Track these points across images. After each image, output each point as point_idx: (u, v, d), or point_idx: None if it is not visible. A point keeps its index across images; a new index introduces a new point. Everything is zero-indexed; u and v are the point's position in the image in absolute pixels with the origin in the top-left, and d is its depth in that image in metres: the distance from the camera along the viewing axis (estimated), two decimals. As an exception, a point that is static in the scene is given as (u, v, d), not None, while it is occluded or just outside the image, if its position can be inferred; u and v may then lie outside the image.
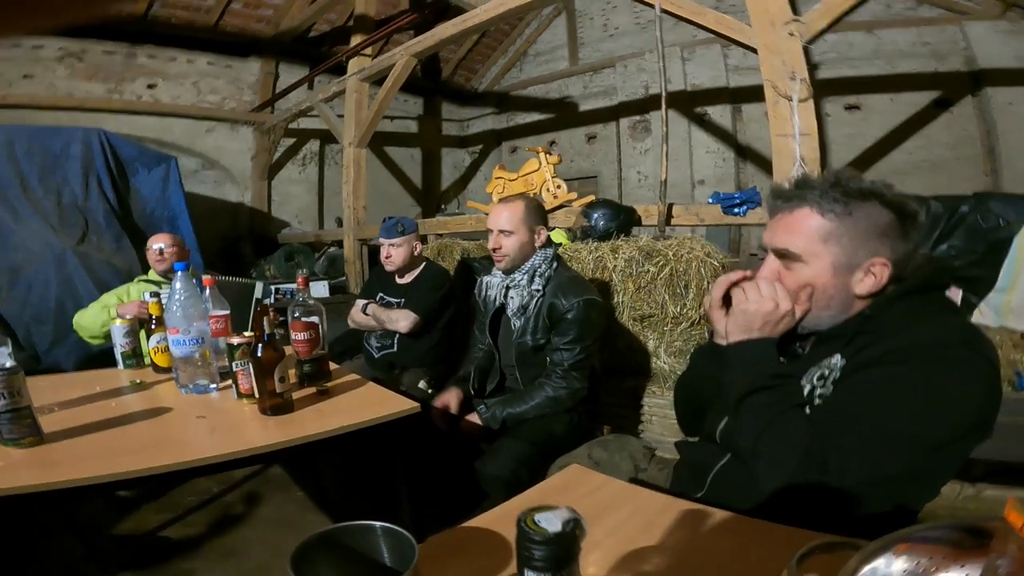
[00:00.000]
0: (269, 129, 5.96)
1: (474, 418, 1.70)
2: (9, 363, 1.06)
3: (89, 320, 2.29)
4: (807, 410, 0.86)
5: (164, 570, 1.77)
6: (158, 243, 2.39)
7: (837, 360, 0.87)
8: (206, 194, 5.76)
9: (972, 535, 0.47)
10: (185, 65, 5.65)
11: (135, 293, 2.36)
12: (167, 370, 1.55)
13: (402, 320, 2.16)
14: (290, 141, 6.35)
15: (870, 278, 0.85)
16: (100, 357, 2.40)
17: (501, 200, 1.83)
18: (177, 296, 1.30)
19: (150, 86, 5.49)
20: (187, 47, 5.56)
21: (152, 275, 2.46)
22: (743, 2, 2.56)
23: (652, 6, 2.67)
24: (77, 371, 2.56)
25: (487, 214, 3.38)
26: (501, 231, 1.71)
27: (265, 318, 1.13)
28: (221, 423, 1.17)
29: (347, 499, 2.25)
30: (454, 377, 1.94)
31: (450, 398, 1.79)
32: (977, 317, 2.32)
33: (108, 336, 2.20)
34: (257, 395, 1.17)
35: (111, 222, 3.60)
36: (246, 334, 1.24)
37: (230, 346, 1.23)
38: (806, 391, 0.88)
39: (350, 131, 4.59)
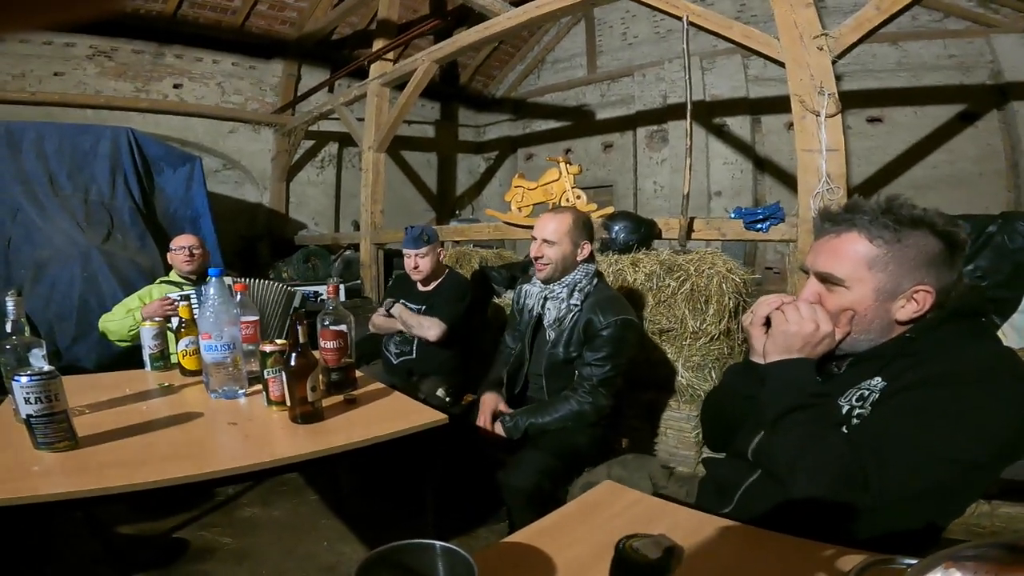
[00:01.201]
0: (290, 131, 6.03)
1: (498, 429, 1.70)
2: (46, 367, 1.07)
3: (116, 325, 2.32)
4: (845, 429, 0.86)
5: (179, 572, 1.79)
6: (186, 243, 2.42)
7: (878, 382, 0.87)
8: (226, 194, 5.84)
9: (1012, 552, 0.49)
10: (211, 65, 5.75)
11: (157, 294, 2.38)
12: (195, 373, 1.57)
13: (433, 328, 2.16)
14: (309, 143, 6.43)
15: (912, 304, 0.85)
16: (122, 355, 2.44)
17: (551, 210, 1.84)
18: (211, 301, 1.31)
19: (176, 86, 5.59)
20: (213, 47, 5.66)
21: (174, 276, 2.48)
22: (765, 12, 2.54)
23: (679, 18, 2.67)
24: (99, 369, 2.60)
25: (505, 223, 3.43)
26: (545, 240, 1.71)
27: (299, 326, 1.14)
28: (253, 431, 1.18)
29: (361, 504, 2.26)
30: (487, 381, 1.93)
31: (491, 400, 1.80)
32: (1000, 338, 2.29)
33: (135, 339, 2.24)
34: (288, 403, 1.18)
35: (136, 221, 3.63)
36: (279, 341, 1.25)
37: (263, 353, 1.25)
38: (844, 411, 0.88)
39: (370, 135, 4.63)
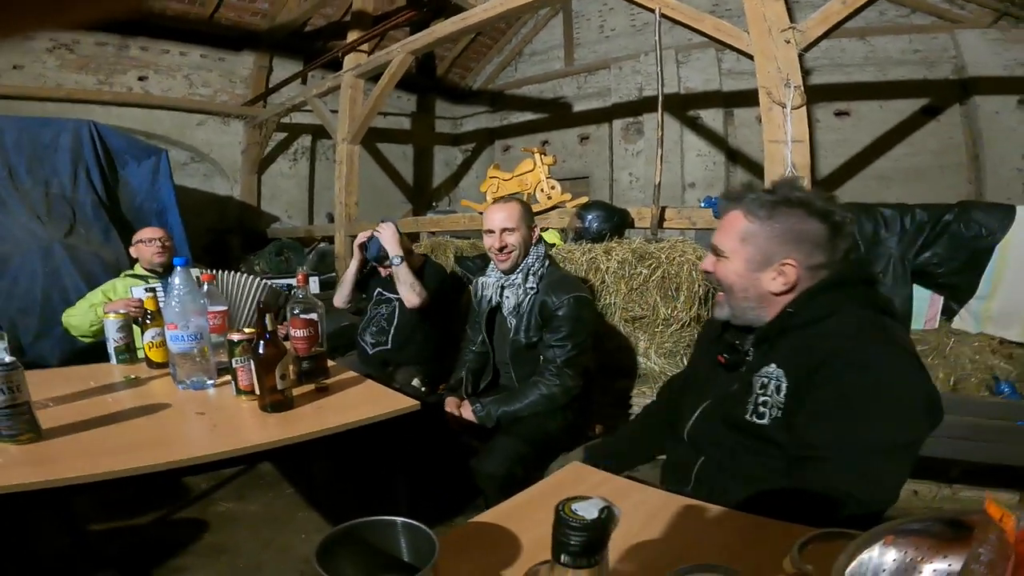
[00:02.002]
0: (261, 123, 5.91)
1: (467, 413, 1.72)
2: (8, 358, 1.05)
3: (78, 320, 2.25)
4: (753, 418, 0.93)
5: (155, 568, 1.76)
6: (156, 235, 2.36)
7: (773, 370, 0.93)
8: (195, 187, 5.70)
9: (954, 528, 0.51)
10: (178, 58, 5.61)
11: (121, 288, 2.32)
12: (161, 365, 1.55)
13: (418, 297, 2.15)
14: (281, 136, 6.31)
15: (780, 277, 0.95)
16: (87, 351, 2.38)
17: (495, 202, 1.86)
18: (176, 292, 1.30)
19: (141, 78, 5.44)
20: (181, 39, 5.50)
21: (138, 269, 2.42)
22: (739, 6, 2.58)
23: (652, 11, 2.69)
24: (63, 364, 2.53)
25: (481, 213, 3.43)
26: (505, 229, 1.73)
27: (268, 315, 1.13)
28: (221, 419, 1.17)
29: (337, 496, 2.26)
30: (447, 386, 1.96)
31: (451, 404, 1.81)
32: (957, 323, 2.38)
33: (98, 334, 2.19)
34: (258, 392, 1.18)
35: (99, 214, 3.54)
36: (247, 330, 1.24)
37: (231, 342, 1.23)
38: (752, 400, 0.94)
39: (344, 127, 4.57)
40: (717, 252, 1.01)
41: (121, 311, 1.94)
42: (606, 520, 0.40)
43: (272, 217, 6.26)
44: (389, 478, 2.24)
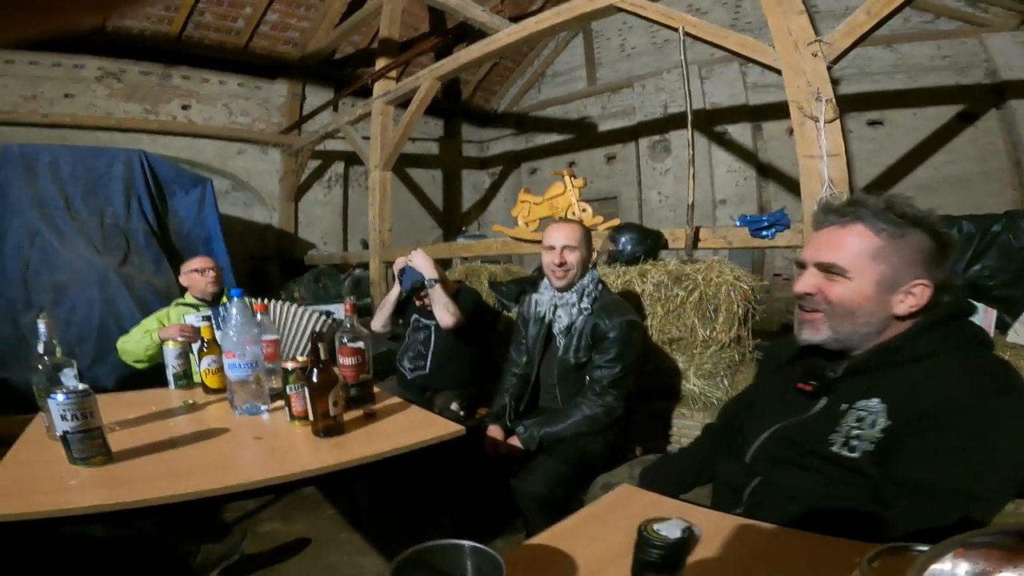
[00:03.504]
0: (297, 151, 6.10)
1: (514, 441, 1.74)
2: (81, 385, 1.12)
3: (133, 346, 2.35)
4: (843, 451, 0.89)
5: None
6: (207, 264, 2.46)
7: (876, 404, 0.88)
8: (236, 215, 5.90)
9: (1022, 539, 0.50)
10: (217, 86, 5.84)
11: (174, 316, 2.42)
12: (217, 391, 1.61)
13: (453, 317, 2.18)
14: (316, 163, 6.50)
15: (911, 298, 0.88)
16: (139, 375, 2.48)
17: (556, 221, 1.90)
18: (234, 321, 1.36)
19: (184, 107, 5.66)
20: (219, 68, 5.74)
21: (188, 298, 2.52)
22: (759, 19, 2.58)
23: (675, 29, 2.72)
24: (118, 388, 2.64)
25: (513, 238, 3.47)
26: (566, 247, 1.77)
27: (321, 344, 1.18)
28: (278, 445, 1.22)
29: (378, 517, 2.29)
30: (491, 412, 1.99)
31: (495, 431, 1.84)
32: (1012, 337, 2.29)
33: (152, 359, 2.29)
34: (311, 417, 1.22)
35: (151, 243, 3.69)
36: (299, 359, 1.29)
37: (285, 370, 1.29)
38: (843, 432, 0.90)
39: (376, 154, 4.67)
40: (831, 270, 0.91)
41: (178, 339, 2.03)
42: (687, 540, 0.41)
43: (308, 244, 6.43)
44: (429, 500, 2.26)
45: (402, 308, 2.49)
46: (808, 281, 0.93)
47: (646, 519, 0.44)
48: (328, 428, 1.22)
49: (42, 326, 1.30)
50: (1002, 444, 0.80)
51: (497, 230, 3.64)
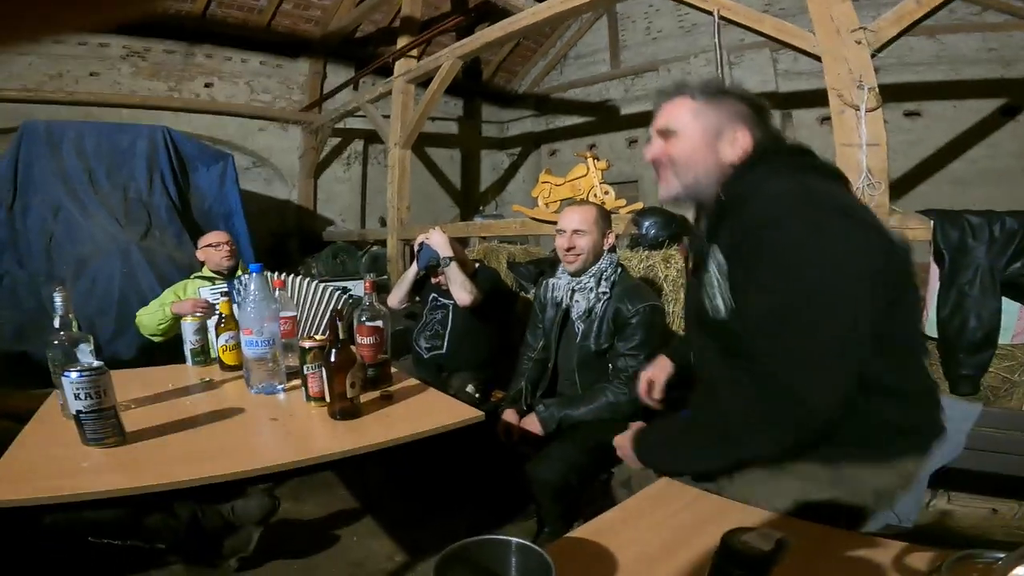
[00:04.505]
0: (317, 129, 6.09)
1: (531, 422, 1.71)
2: (95, 362, 1.10)
3: (148, 319, 2.37)
4: (716, 315, 0.94)
5: (214, 566, 1.82)
6: (222, 239, 2.47)
7: (720, 256, 0.95)
8: (256, 191, 5.90)
9: None
10: (239, 64, 5.84)
11: (191, 290, 2.43)
12: (234, 368, 1.61)
13: (471, 294, 2.15)
14: (336, 141, 6.48)
15: (736, 145, 1.01)
16: (159, 348, 2.50)
17: (570, 204, 1.86)
18: (252, 296, 1.34)
19: (207, 85, 5.68)
20: (241, 47, 5.74)
21: (205, 271, 2.53)
22: (793, 5, 2.49)
23: (710, 13, 2.62)
24: (137, 363, 2.66)
25: (532, 218, 3.42)
26: (575, 231, 1.73)
27: (339, 322, 1.16)
28: (294, 427, 1.20)
29: (390, 500, 2.29)
30: (507, 396, 1.96)
31: (511, 417, 1.81)
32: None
33: (166, 332, 2.30)
34: (328, 399, 1.20)
35: (172, 218, 3.71)
36: (317, 337, 1.27)
37: (302, 349, 1.27)
38: (708, 296, 0.96)
39: (396, 132, 4.64)
40: (666, 133, 1.06)
41: (190, 312, 2.03)
42: (779, 552, 0.38)
43: (327, 221, 6.44)
44: (441, 485, 2.26)
45: (420, 286, 2.47)
46: (653, 149, 1.08)
47: (731, 529, 0.40)
48: (345, 410, 1.19)
49: (58, 299, 1.28)
50: (809, 258, 0.85)
51: (517, 210, 3.59)
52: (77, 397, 1.03)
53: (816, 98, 2.43)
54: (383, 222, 6.09)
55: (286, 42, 5.92)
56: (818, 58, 2.37)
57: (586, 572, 0.67)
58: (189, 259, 3.57)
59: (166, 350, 2.37)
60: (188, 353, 1.72)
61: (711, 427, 0.94)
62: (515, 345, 2.34)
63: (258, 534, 1.64)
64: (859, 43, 2.28)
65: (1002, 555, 0.48)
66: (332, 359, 1.16)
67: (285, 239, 6.08)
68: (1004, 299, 2.13)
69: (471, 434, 1.50)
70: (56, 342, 1.24)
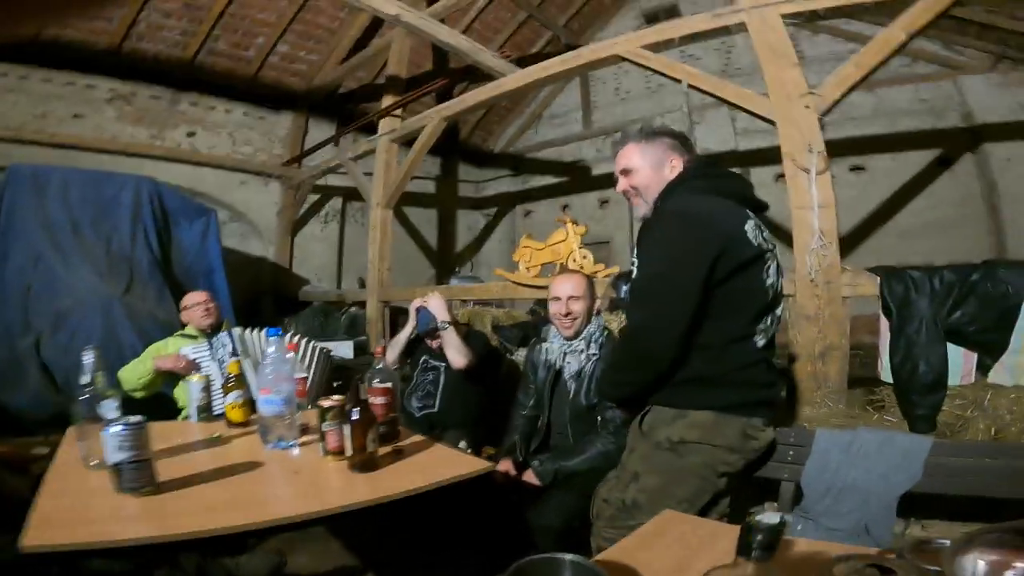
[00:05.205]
0: (297, 184, 6.09)
1: (528, 475, 1.79)
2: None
3: (128, 374, 2.36)
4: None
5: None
6: (200, 299, 2.52)
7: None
8: (232, 247, 5.74)
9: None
10: (223, 115, 5.85)
11: (172, 348, 2.45)
12: (240, 424, 1.65)
13: (465, 357, 2.26)
14: (314, 198, 6.46)
15: (673, 169, 1.42)
16: (139, 407, 2.46)
17: (562, 272, 2.01)
18: (270, 359, 1.42)
19: (190, 134, 5.64)
20: (227, 96, 5.76)
21: (190, 330, 2.55)
22: (749, 65, 2.74)
23: (679, 81, 2.89)
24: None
25: (515, 283, 3.52)
26: (571, 297, 1.89)
27: (361, 385, 1.25)
28: (317, 479, 1.27)
29: (384, 550, 2.28)
30: (503, 448, 2.07)
31: (508, 465, 1.90)
32: (993, 377, 2.40)
33: (147, 387, 2.30)
34: (350, 453, 1.27)
35: (154, 273, 3.64)
36: (335, 398, 1.35)
37: (322, 408, 1.34)
38: None
39: (379, 191, 4.66)
40: (626, 171, 1.47)
41: (172, 367, 2.14)
42: (783, 524, 0.55)
43: (302, 280, 6.32)
44: (439, 534, 2.27)
45: (411, 347, 2.55)
46: (621, 184, 1.50)
47: (749, 510, 0.56)
48: (364, 463, 1.27)
49: (90, 357, 1.35)
50: (654, 256, 1.33)
51: (499, 274, 3.69)
52: (120, 449, 1.09)
53: (771, 155, 2.67)
54: (362, 283, 6.00)
55: (271, 94, 5.98)
56: (773, 123, 2.56)
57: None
58: (170, 317, 3.45)
59: (144, 407, 2.36)
60: (194, 410, 1.76)
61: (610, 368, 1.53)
62: (500, 405, 2.44)
63: None
64: (807, 108, 2.46)
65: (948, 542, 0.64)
66: (354, 416, 1.24)
67: (259, 297, 5.91)
68: (949, 344, 2.34)
69: (467, 485, 1.57)
70: (83, 398, 1.29)
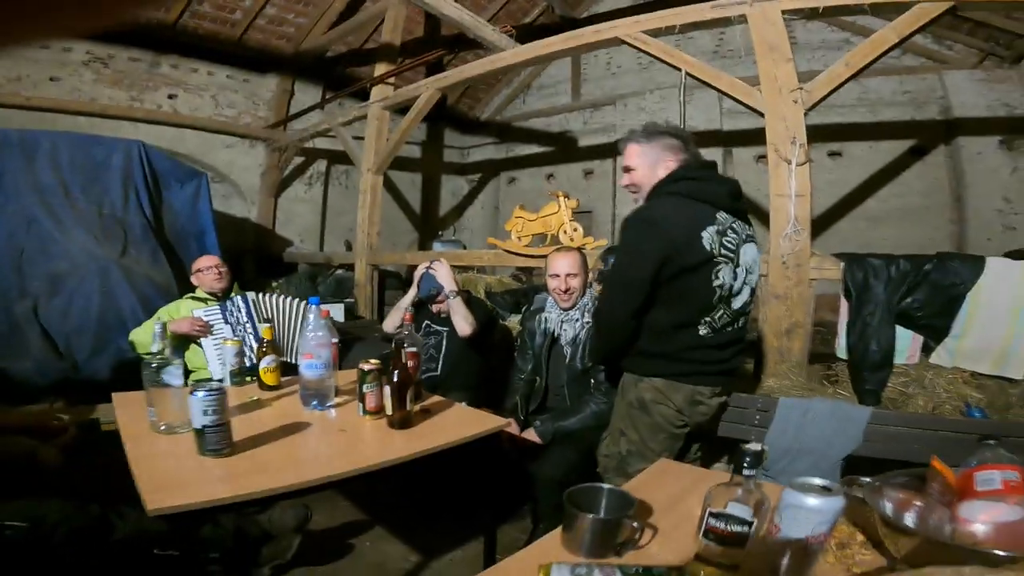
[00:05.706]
0: (283, 147, 6.05)
1: (530, 434, 2.00)
2: (216, 384, 1.26)
3: (143, 336, 2.43)
4: None
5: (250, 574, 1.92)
6: (212, 262, 2.61)
7: None
8: (215, 208, 5.72)
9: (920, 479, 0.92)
10: (206, 77, 5.74)
11: (184, 310, 2.54)
12: (273, 388, 1.80)
13: (471, 326, 2.40)
14: (299, 160, 6.44)
15: (666, 170, 1.60)
16: (137, 370, 2.55)
17: (558, 250, 2.18)
18: (311, 327, 1.56)
19: (171, 96, 5.55)
20: (209, 59, 5.64)
21: (199, 292, 2.64)
22: (741, 46, 2.85)
23: (679, 69, 3.02)
24: (116, 380, 2.59)
25: (507, 251, 3.65)
26: (570, 274, 2.09)
27: (401, 350, 1.41)
28: (362, 437, 1.43)
29: (393, 507, 2.45)
30: (503, 411, 2.23)
31: (511, 424, 2.06)
32: (934, 358, 2.68)
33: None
34: (390, 411, 1.44)
35: (147, 236, 3.64)
36: (373, 361, 1.51)
37: (362, 371, 1.50)
38: None
39: (369, 157, 4.70)
40: (628, 168, 1.66)
41: (188, 330, 2.25)
42: (764, 450, 0.81)
43: (286, 241, 6.35)
44: (444, 490, 2.47)
45: (415, 315, 2.69)
46: (624, 180, 1.69)
47: (741, 442, 0.78)
48: (403, 420, 1.45)
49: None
50: (622, 251, 1.58)
51: (491, 243, 3.82)
52: (205, 413, 1.19)
53: (753, 136, 2.82)
54: (348, 245, 6.03)
55: (256, 57, 5.86)
56: (762, 114, 2.72)
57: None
58: (166, 279, 3.51)
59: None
60: (227, 375, 1.87)
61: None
62: (497, 369, 2.61)
63: (297, 541, 1.81)
64: (795, 103, 2.63)
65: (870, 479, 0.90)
66: (395, 378, 1.41)
67: (240, 257, 5.84)
68: (899, 327, 2.61)
69: (469, 444, 1.75)
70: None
